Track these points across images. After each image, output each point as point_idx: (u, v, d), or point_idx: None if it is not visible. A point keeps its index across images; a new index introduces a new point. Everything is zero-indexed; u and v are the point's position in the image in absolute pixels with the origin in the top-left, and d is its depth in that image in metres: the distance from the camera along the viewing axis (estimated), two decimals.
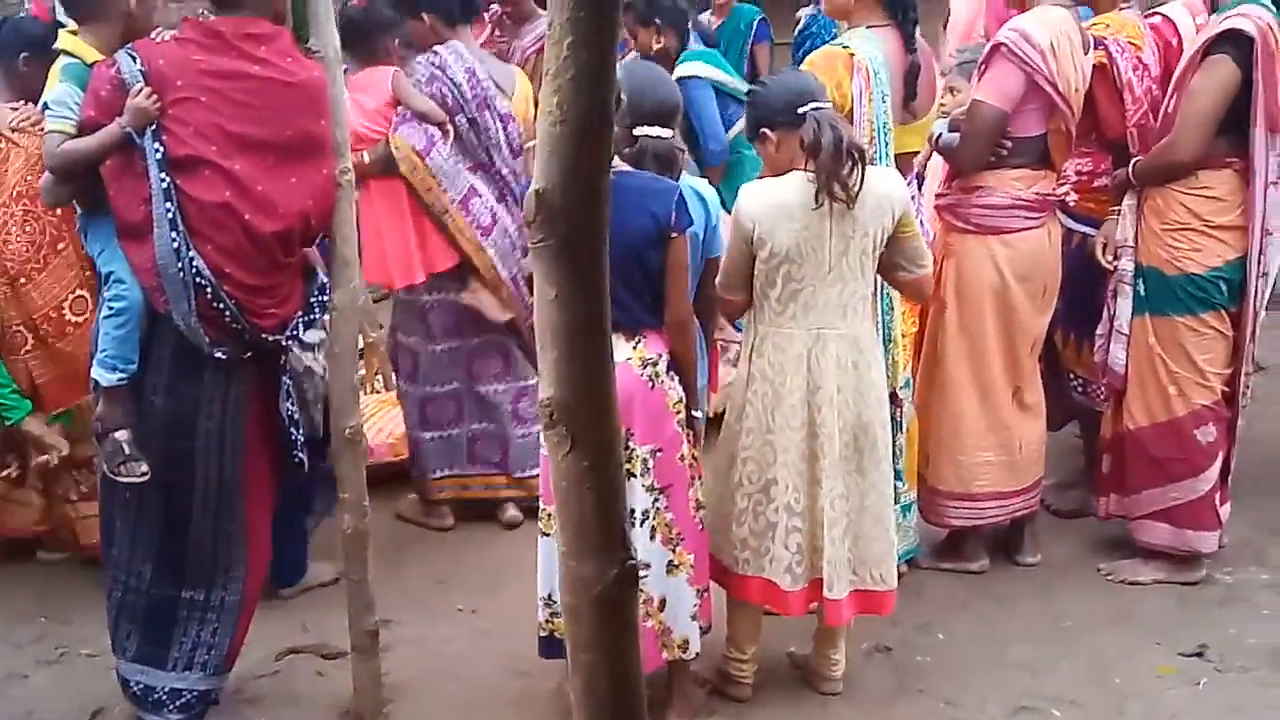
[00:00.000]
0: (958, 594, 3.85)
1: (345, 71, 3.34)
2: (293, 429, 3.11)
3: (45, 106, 2.87)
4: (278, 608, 3.73)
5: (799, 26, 7.25)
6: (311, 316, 3.09)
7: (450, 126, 4.04)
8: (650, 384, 2.99)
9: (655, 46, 4.90)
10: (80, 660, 3.57)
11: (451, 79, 4.06)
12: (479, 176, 4.15)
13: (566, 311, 1.39)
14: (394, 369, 4.47)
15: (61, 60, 2.93)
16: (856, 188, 2.92)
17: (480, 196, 4.12)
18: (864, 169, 2.92)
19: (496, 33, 5.50)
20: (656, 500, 3.00)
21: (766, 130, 3.06)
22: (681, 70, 4.90)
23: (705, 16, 7.07)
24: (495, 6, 5.40)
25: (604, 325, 1.42)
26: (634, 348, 2.98)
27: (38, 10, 3.24)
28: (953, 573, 3.94)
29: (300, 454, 3.16)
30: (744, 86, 5.72)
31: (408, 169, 3.99)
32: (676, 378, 3.05)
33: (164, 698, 3.05)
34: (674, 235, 2.93)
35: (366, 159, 3.93)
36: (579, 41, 1.34)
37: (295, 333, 3.04)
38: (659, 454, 2.99)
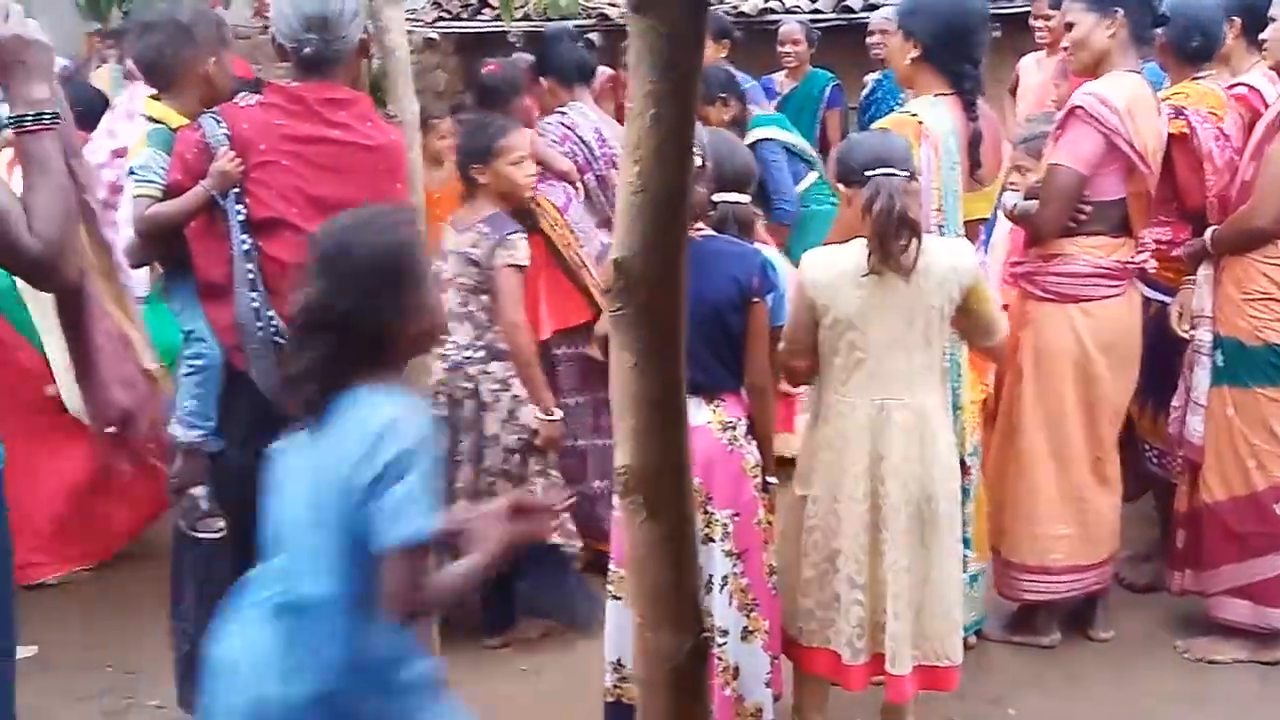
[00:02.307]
0: (1029, 668, 3.76)
1: None
2: None
3: (131, 171, 2.95)
4: None
5: (865, 91, 7.28)
6: None
7: (580, 184, 4.17)
8: (729, 447, 2.98)
9: (724, 119, 5.01)
10: (146, 711, 3.60)
11: (582, 138, 4.26)
12: (605, 233, 4.30)
13: (644, 380, 1.40)
14: None
15: (147, 126, 3.02)
16: (911, 261, 2.92)
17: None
18: (919, 243, 2.92)
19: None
20: (734, 565, 2.99)
21: (841, 186, 3.09)
22: (755, 134, 5.07)
23: (778, 77, 7.14)
24: (603, 74, 5.63)
25: (680, 394, 1.43)
26: (714, 410, 2.98)
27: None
28: (1023, 646, 3.85)
29: None
30: (810, 149, 5.86)
31: (548, 225, 4.10)
32: (754, 441, 3.05)
33: None
34: (755, 300, 2.96)
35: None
36: (660, 114, 1.36)
37: None
38: (737, 518, 2.98)
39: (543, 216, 4.08)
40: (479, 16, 9.95)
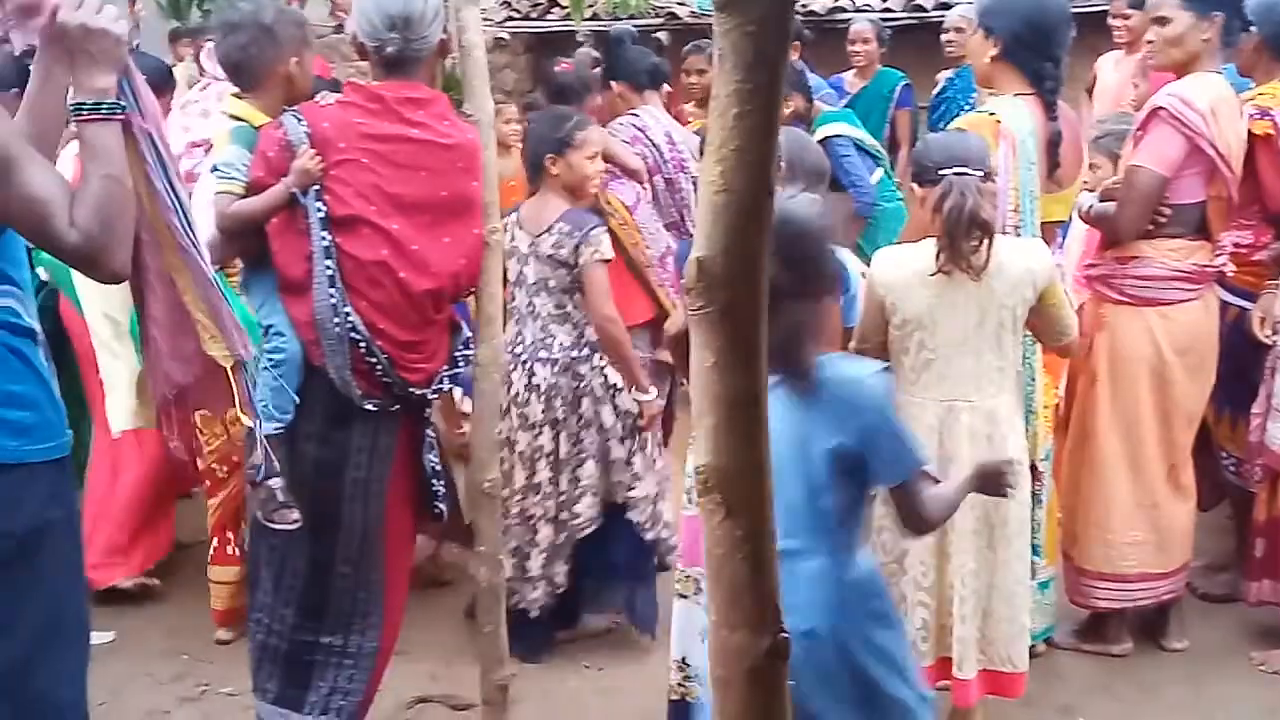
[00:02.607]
0: (1099, 677, 3.70)
1: None
2: (434, 480, 3.18)
3: (215, 169, 3.00)
4: (407, 657, 3.79)
5: (936, 90, 7.21)
6: (455, 371, 3.16)
7: (649, 185, 4.22)
8: None
9: (786, 112, 5.00)
10: (220, 698, 3.67)
11: (652, 140, 4.32)
12: (671, 235, 4.35)
13: (724, 379, 1.40)
14: None
15: (230, 124, 3.07)
16: (981, 261, 2.89)
17: (674, 254, 4.27)
18: (991, 243, 2.89)
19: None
20: None
21: (915, 185, 3.07)
22: (824, 131, 5.08)
23: (848, 76, 7.10)
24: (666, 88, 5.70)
25: (762, 394, 1.42)
26: None
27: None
28: (1094, 655, 3.80)
29: (441, 505, 3.23)
30: (878, 144, 5.87)
31: (616, 223, 4.13)
32: None
33: None
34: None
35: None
36: (743, 113, 1.36)
37: (440, 386, 3.12)
38: None
39: (611, 215, 4.09)
40: (548, 16, 10.00)
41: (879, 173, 5.70)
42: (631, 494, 3.82)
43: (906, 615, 3.04)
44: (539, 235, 3.75)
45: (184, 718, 3.59)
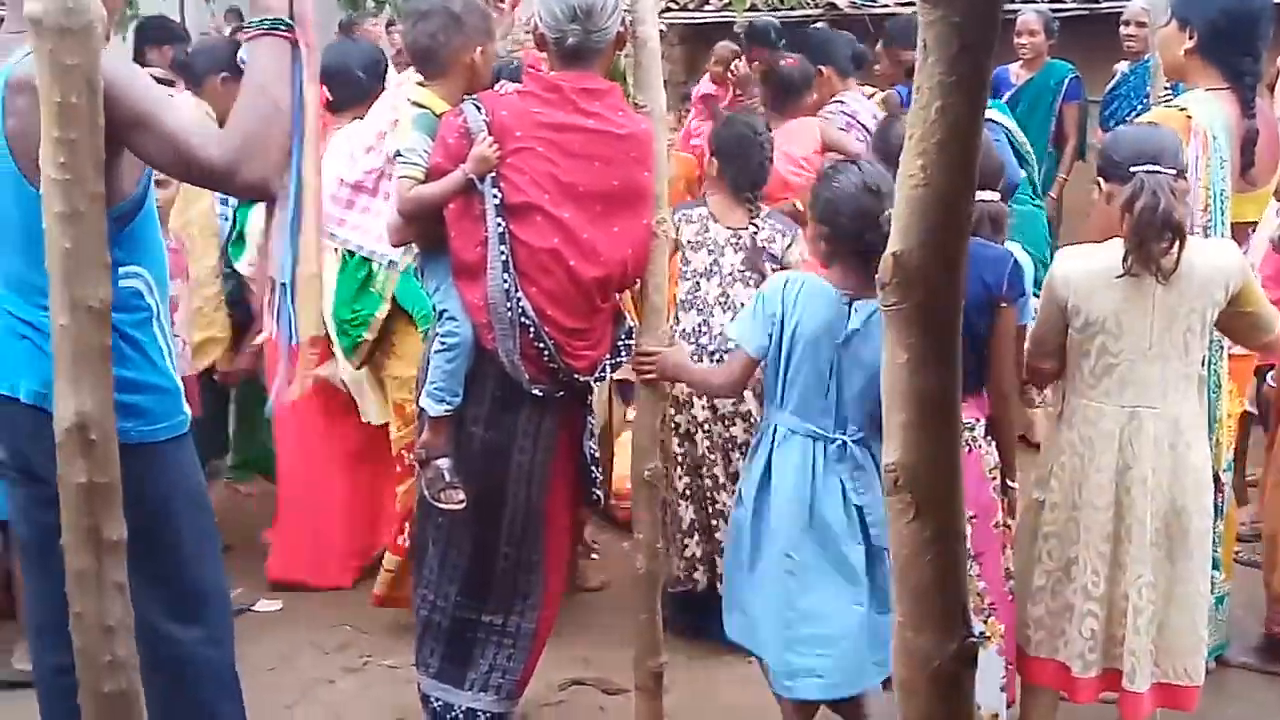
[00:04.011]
0: (1274, 699, 3.54)
1: (768, 125, 3.88)
2: (594, 466, 3.22)
3: (398, 153, 3.09)
4: (558, 639, 3.84)
5: (1110, 84, 6.97)
6: (618, 359, 3.19)
7: None
8: (969, 449, 2.92)
9: None
10: (382, 670, 3.78)
11: (864, 125, 4.36)
12: None
13: (917, 376, 1.38)
14: None
15: (413, 111, 3.15)
16: (1172, 264, 2.78)
17: None
18: (1182, 245, 2.78)
19: (737, 91, 5.94)
20: (971, 568, 2.93)
21: (1101, 180, 2.97)
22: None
23: (1013, 68, 6.92)
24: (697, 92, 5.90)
25: (955, 392, 1.40)
26: None
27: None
28: (1269, 675, 3.64)
29: (598, 491, 3.27)
30: (1027, 143, 5.71)
31: None
32: (993, 443, 2.99)
33: (460, 716, 3.18)
34: (1004, 305, 2.90)
35: (799, 206, 4.14)
36: (947, 105, 1.34)
37: (603, 374, 3.15)
38: (974, 520, 2.92)
39: None
40: (705, 7, 9.99)
41: (1020, 174, 5.56)
42: None
43: (1071, 624, 2.97)
44: (741, 228, 3.77)
45: (347, 687, 3.72)
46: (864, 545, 2.81)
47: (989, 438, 2.98)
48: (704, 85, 6.33)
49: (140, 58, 5.72)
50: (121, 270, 2.23)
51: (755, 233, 3.75)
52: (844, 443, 2.80)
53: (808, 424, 2.82)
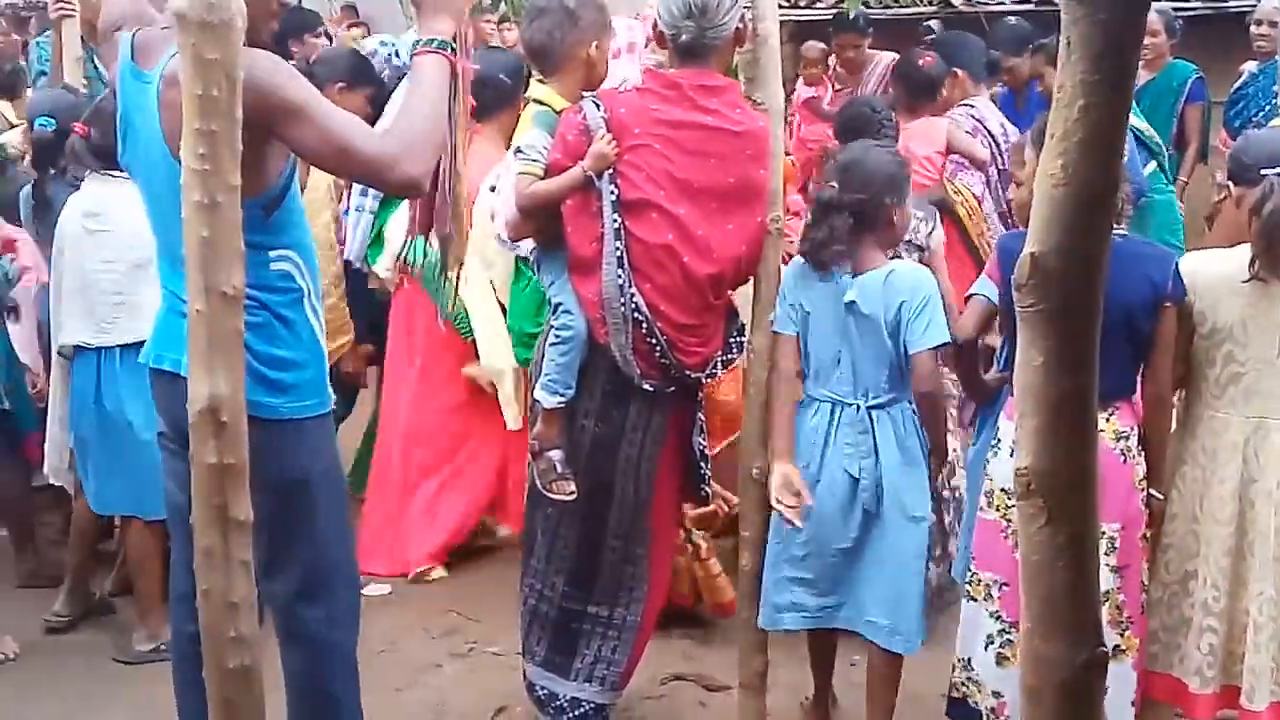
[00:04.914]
0: None
1: (897, 125, 3.92)
2: (702, 462, 3.22)
3: (517, 150, 3.12)
4: (663, 633, 3.85)
5: (1236, 85, 6.75)
6: (730, 356, 3.19)
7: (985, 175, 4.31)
8: (1122, 458, 2.86)
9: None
10: (487, 657, 3.83)
11: (990, 131, 4.38)
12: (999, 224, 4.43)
13: (1052, 380, 1.36)
14: None
15: (533, 108, 3.18)
16: None
17: (997, 247, 4.28)
18: None
19: (837, 87, 5.98)
20: (1116, 580, 2.87)
21: (1231, 183, 2.89)
22: None
23: None
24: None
25: (1091, 397, 1.38)
26: (1107, 419, 2.84)
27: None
28: None
29: (707, 487, 3.27)
30: (1155, 134, 5.59)
31: (965, 213, 4.16)
32: (1143, 453, 2.91)
33: (565, 705, 3.22)
34: (1168, 304, 2.82)
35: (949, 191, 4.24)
36: (1090, 105, 1.31)
37: (714, 371, 3.15)
38: (1123, 532, 2.86)
39: (960, 204, 4.11)
40: (818, 4, 9.91)
41: (1152, 165, 5.46)
42: (953, 481, 3.77)
43: (1188, 639, 2.89)
44: None
45: (453, 672, 3.78)
46: (859, 510, 2.97)
47: (1140, 446, 2.89)
48: (801, 90, 6.30)
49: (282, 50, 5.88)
50: (272, 254, 2.33)
51: None
52: (858, 407, 2.96)
53: (825, 389, 3.03)
